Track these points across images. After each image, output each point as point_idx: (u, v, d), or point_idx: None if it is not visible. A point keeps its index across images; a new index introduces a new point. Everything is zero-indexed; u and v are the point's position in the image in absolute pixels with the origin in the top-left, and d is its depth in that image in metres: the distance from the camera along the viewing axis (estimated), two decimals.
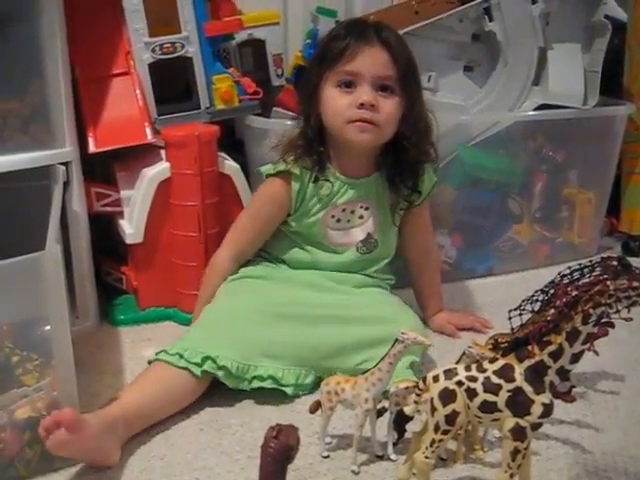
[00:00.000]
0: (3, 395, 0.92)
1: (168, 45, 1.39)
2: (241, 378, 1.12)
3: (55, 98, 1.24)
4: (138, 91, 1.38)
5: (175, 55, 1.39)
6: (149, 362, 1.12)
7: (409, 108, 1.21)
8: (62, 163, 1.25)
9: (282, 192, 1.25)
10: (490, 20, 1.51)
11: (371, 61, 1.18)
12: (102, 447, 0.96)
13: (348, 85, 1.19)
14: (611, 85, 1.65)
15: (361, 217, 1.26)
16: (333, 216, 1.26)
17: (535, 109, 1.57)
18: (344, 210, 1.26)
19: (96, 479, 0.96)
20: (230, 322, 1.15)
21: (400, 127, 1.21)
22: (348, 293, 1.25)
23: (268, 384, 1.13)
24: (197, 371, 1.08)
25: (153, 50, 1.38)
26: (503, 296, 1.45)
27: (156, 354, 1.11)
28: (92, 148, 1.35)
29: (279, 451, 0.74)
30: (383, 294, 1.28)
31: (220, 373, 1.10)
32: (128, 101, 1.38)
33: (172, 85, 1.44)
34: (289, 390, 1.14)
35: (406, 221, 1.32)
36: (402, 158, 1.24)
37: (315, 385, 1.15)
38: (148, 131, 1.37)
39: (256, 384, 1.13)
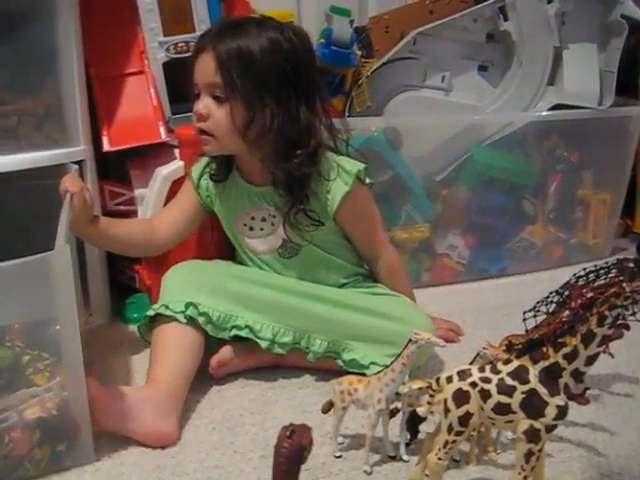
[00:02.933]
0: (13, 395, 0.92)
1: (182, 44, 1.39)
2: (221, 327, 1.16)
3: (70, 97, 1.24)
4: (152, 90, 1.39)
5: (189, 54, 1.39)
6: (139, 330, 1.20)
7: (258, 115, 1.12)
8: (76, 162, 1.26)
9: (189, 188, 1.27)
10: (505, 20, 1.51)
11: (200, 69, 1.13)
12: (141, 415, 1.00)
13: (197, 96, 1.16)
14: (627, 85, 1.64)
15: (272, 224, 1.22)
16: (245, 224, 1.24)
17: (550, 109, 1.56)
18: (253, 218, 1.22)
19: (108, 477, 0.96)
20: (207, 276, 1.20)
21: (250, 134, 1.13)
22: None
23: (245, 333, 1.17)
24: (182, 318, 1.13)
25: (167, 49, 1.38)
26: (517, 297, 1.45)
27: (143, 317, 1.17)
28: (106, 147, 1.35)
29: (292, 451, 0.74)
30: (389, 295, 1.25)
31: (201, 319, 1.14)
32: (142, 100, 1.38)
33: (186, 84, 1.44)
34: (264, 344, 1.17)
35: (344, 231, 1.24)
36: (289, 173, 1.16)
37: (292, 346, 1.18)
38: (162, 130, 1.38)
39: (234, 332, 1.17)
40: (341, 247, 1.26)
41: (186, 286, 1.17)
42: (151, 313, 1.15)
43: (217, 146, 1.17)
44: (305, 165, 1.15)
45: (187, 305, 1.14)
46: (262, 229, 1.23)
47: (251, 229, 1.24)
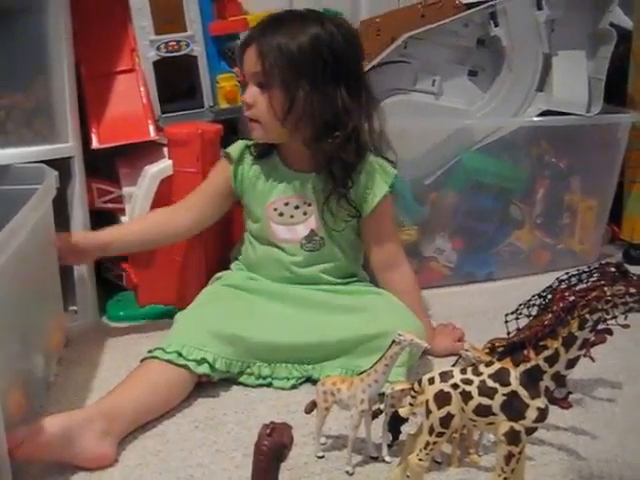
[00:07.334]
0: None
1: (173, 43, 1.39)
2: (232, 374, 1.16)
3: (59, 93, 1.25)
4: (142, 88, 1.39)
5: (180, 53, 1.40)
6: (141, 361, 1.13)
7: (294, 101, 1.17)
8: (64, 158, 1.26)
9: (223, 169, 1.29)
10: (495, 25, 1.51)
11: (246, 60, 1.20)
12: (72, 445, 0.94)
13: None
14: (615, 93, 1.64)
15: (305, 213, 1.25)
16: (275, 209, 1.25)
17: (539, 115, 1.56)
18: (287, 204, 1.25)
19: (89, 474, 0.96)
20: (219, 319, 1.17)
21: (290, 118, 1.18)
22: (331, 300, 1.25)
23: (261, 382, 1.17)
24: (195, 368, 1.11)
25: (158, 48, 1.39)
26: (503, 301, 1.43)
27: (150, 351, 1.12)
28: (95, 144, 1.35)
29: (272, 449, 0.74)
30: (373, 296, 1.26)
31: (216, 374, 1.13)
32: (132, 98, 1.39)
33: (176, 83, 1.45)
34: (279, 383, 1.18)
35: (365, 232, 1.28)
36: (330, 155, 1.20)
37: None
38: (151, 128, 1.38)
39: (248, 380, 1.17)
40: (354, 248, 1.29)
41: (199, 332, 1.14)
42: (162, 356, 1.10)
43: (263, 132, 1.22)
44: (343, 148, 1.19)
45: (201, 361, 1.11)
46: (292, 216, 1.25)
47: (281, 215, 1.25)
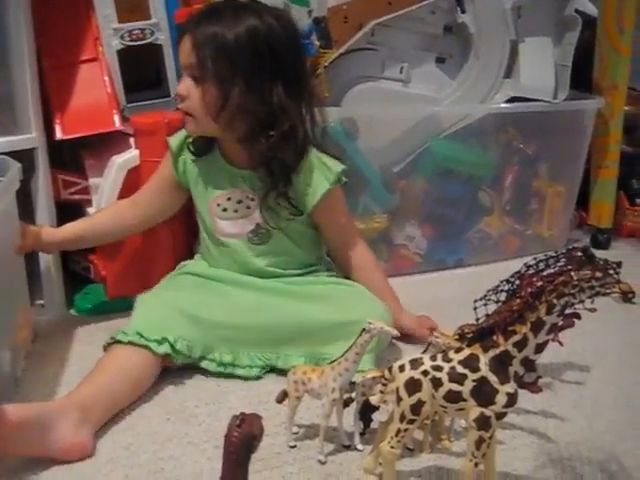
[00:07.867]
0: None
1: (137, 32, 1.37)
2: (194, 358, 1.15)
3: (21, 84, 1.23)
4: (107, 78, 1.37)
5: (145, 42, 1.38)
6: (105, 348, 1.13)
7: (227, 98, 1.14)
8: (28, 150, 1.24)
9: (166, 161, 1.28)
10: (462, 12, 1.51)
11: (181, 51, 1.17)
12: (47, 434, 0.93)
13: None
14: (581, 79, 1.66)
15: (248, 207, 1.22)
16: (219, 204, 1.24)
17: (506, 102, 1.57)
18: (229, 199, 1.23)
19: (60, 468, 0.95)
20: (180, 302, 1.16)
21: (223, 115, 1.15)
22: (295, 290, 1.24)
23: (222, 369, 1.16)
24: (156, 348, 1.10)
25: (122, 37, 1.36)
26: (473, 287, 1.44)
27: (112, 337, 1.12)
28: (59, 135, 1.33)
29: (242, 440, 0.74)
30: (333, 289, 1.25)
31: (178, 356, 1.12)
32: (96, 88, 1.36)
33: (142, 72, 1.43)
34: (241, 371, 1.17)
35: (318, 225, 1.27)
36: (265, 154, 1.18)
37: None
38: (117, 118, 1.36)
39: (209, 366, 1.16)
40: (308, 239, 1.28)
41: (161, 313, 1.14)
42: (124, 339, 1.10)
43: (196, 126, 1.19)
44: (279, 147, 1.16)
45: (163, 340, 1.11)
46: (236, 211, 1.23)
47: (224, 210, 1.23)
